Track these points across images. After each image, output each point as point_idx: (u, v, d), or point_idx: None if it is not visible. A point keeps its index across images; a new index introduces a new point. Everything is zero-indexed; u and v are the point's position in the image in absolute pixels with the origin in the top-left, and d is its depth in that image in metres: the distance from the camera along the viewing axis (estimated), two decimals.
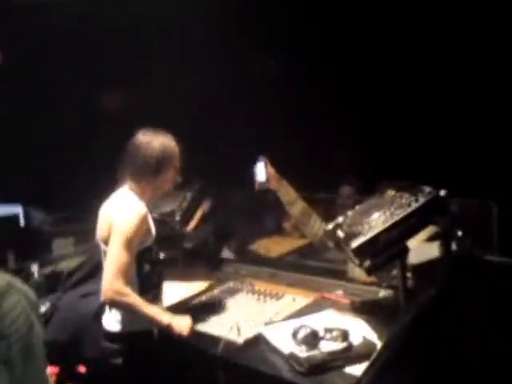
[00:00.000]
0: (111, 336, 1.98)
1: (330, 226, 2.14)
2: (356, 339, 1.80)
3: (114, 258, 1.86)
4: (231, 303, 2.29)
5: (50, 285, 2.58)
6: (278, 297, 2.33)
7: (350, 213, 2.18)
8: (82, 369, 2.26)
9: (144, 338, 1.96)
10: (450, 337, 1.46)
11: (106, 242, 1.92)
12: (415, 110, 3.27)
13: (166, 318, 1.92)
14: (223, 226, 3.11)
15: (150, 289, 2.00)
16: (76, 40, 3.66)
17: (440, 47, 3.17)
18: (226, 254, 3.06)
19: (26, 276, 2.59)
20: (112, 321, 1.99)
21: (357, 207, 2.21)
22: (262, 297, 2.34)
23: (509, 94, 2.92)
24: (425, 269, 2.06)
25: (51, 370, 2.20)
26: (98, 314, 2.44)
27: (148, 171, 1.99)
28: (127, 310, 1.91)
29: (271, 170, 2.36)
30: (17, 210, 3.26)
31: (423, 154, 3.25)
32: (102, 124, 3.72)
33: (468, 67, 3.05)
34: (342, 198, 3.20)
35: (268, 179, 2.34)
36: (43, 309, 2.48)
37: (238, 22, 3.68)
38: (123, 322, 1.96)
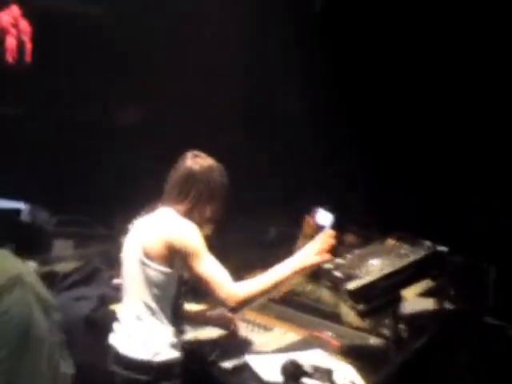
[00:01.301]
0: (133, 364, 1.83)
1: (329, 266, 2.18)
2: (341, 381, 1.81)
3: (209, 276, 1.80)
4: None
5: (46, 284, 2.57)
6: (266, 328, 2.34)
7: (349, 256, 2.23)
8: None
9: (171, 368, 1.85)
10: None
11: (157, 260, 1.84)
12: (431, 160, 3.30)
13: (308, 260, 1.84)
14: (224, 254, 3.13)
15: (180, 317, 1.93)
16: (95, 48, 3.77)
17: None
18: None
19: None
20: (134, 347, 1.86)
21: (356, 251, 2.27)
22: (250, 326, 2.35)
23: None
24: (417, 321, 2.08)
25: None
26: (87, 321, 2.47)
27: (206, 198, 1.94)
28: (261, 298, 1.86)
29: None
30: (20, 205, 3.30)
31: (432, 210, 3.27)
32: (117, 135, 3.80)
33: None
34: (345, 246, 3.21)
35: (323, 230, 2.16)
36: None
37: (263, 58, 3.81)
38: (151, 350, 1.83)
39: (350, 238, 3.24)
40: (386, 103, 3.48)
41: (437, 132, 3.28)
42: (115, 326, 1.98)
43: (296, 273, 1.85)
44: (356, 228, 3.23)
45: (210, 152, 2.04)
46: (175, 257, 1.85)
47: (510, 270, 2.40)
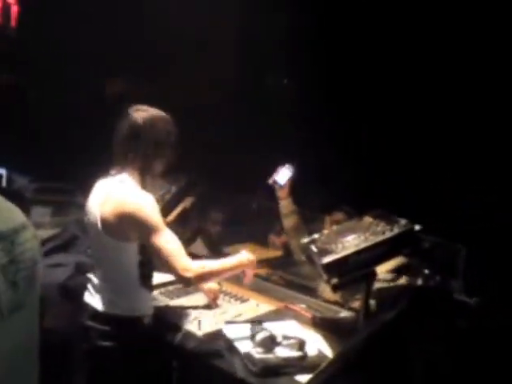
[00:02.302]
0: (106, 318, 1.89)
1: (306, 240, 2.22)
2: (311, 351, 1.86)
3: (165, 252, 1.81)
4: (196, 298, 2.33)
5: None
6: (242, 300, 2.38)
7: (326, 231, 2.26)
8: None
9: (137, 323, 1.91)
10: (398, 359, 1.55)
11: (114, 235, 1.85)
12: (416, 145, 3.33)
13: (245, 259, 2.02)
14: (201, 224, 3.16)
15: (148, 280, 1.97)
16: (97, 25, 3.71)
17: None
18: (199, 249, 3.10)
19: None
20: (106, 303, 1.91)
21: (334, 227, 2.30)
22: (227, 297, 2.39)
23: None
24: (387, 296, 2.13)
25: None
26: (64, 288, 2.48)
27: (155, 151, 1.91)
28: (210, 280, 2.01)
29: (291, 181, 2.46)
30: (0, 171, 3.27)
31: (412, 191, 3.30)
32: (105, 106, 3.76)
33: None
34: (332, 223, 3.24)
35: (284, 185, 2.44)
36: None
37: (253, 39, 3.78)
38: (122, 306, 1.89)
39: (338, 216, 3.27)
40: (380, 95, 3.47)
41: (431, 127, 3.29)
42: (89, 285, 2.01)
43: (231, 269, 1.99)
44: (348, 208, 3.26)
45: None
46: (131, 230, 1.85)
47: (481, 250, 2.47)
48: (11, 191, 3.02)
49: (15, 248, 1.26)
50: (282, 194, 2.49)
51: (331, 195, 3.11)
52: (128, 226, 1.83)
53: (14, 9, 3.14)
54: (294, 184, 2.51)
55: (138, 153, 1.90)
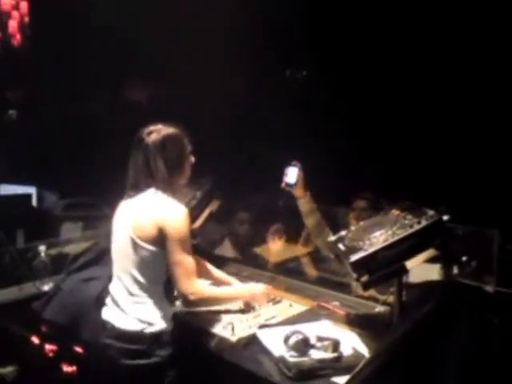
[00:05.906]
0: (126, 336, 1.93)
1: (333, 239, 2.19)
2: (346, 350, 1.84)
3: (182, 264, 1.92)
4: (229, 302, 2.34)
5: (56, 266, 2.65)
6: (275, 301, 2.37)
7: (353, 228, 2.23)
8: (78, 349, 2.32)
9: (162, 338, 1.95)
10: (435, 357, 1.51)
11: (149, 241, 1.92)
12: (433, 136, 3.28)
13: (246, 292, 2.21)
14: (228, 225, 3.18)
15: (172, 293, 2.06)
16: (105, 32, 3.77)
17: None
18: (227, 251, 3.11)
19: (33, 255, 2.66)
20: (127, 320, 1.95)
21: (361, 223, 2.26)
22: None
23: None
24: (422, 289, 2.09)
25: (50, 348, 2.28)
26: (98, 300, 2.52)
27: (178, 166, 2.00)
28: (209, 303, 2.16)
29: (301, 177, 2.43)
30: (31, 190, 3.36)
31: (435, 179, 3.26)
32: (122, 117, 3.81)
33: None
34: (355, 212, 3.22)
35: (296, 184, 2.42)
36: (46, 288, 2.57)
37: (266, 33, 3.77)
38: (143, 322, 1.93)
39: (360, 203, 3.24)
40: (391, 87, 3.43)
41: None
42: (108, 301, 2.06)
43: (235, 298, 2.23)
44: (370, 195, 3.22)
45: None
46: (165, 238, 1.93)
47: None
48: (41, 210, 3.09)
49: None
50: (298, 192, 2.47)
51: (351, 187, 3.08)
52: (163, 234, 1.91)
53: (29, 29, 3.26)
54: (309, 178, 2.48)
55: (157, 177, 1.97)
